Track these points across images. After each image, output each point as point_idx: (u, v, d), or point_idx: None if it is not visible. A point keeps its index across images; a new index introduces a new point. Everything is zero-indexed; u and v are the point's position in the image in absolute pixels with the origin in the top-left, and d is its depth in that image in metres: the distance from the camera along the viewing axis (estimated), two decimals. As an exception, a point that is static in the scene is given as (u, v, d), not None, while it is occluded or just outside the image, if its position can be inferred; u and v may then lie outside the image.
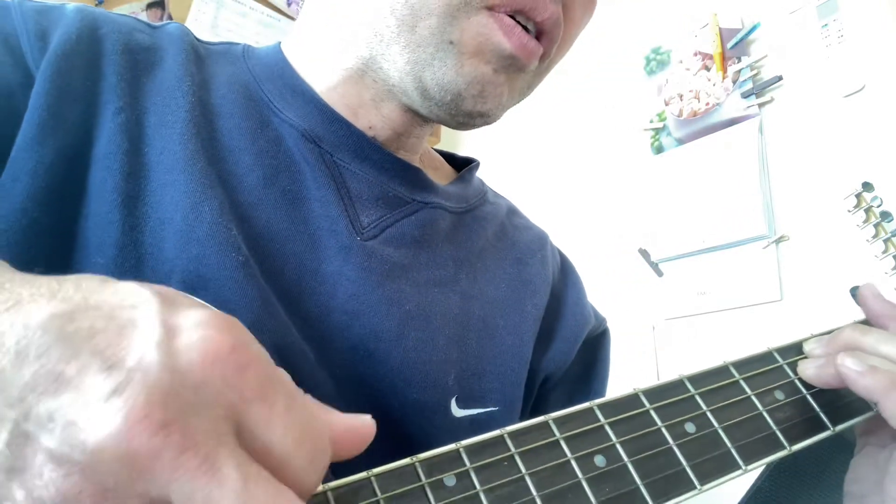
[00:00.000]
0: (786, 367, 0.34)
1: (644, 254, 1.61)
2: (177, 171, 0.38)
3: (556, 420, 0.27)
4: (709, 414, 0.30)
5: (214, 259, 0.36)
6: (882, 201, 1.23)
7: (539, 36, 0.41)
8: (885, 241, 1.22)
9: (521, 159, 1.92)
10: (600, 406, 0.28)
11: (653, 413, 0.28)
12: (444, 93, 0.40)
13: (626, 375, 1.69)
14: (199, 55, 0.46)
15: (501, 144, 2.01)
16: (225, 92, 0.44)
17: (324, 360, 0.39)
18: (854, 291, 1.31)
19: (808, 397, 0.33)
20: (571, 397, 0.55)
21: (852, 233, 1.27)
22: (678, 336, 1.52)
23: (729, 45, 1.49)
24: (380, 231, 0.44)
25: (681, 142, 1.56)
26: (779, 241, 1.37)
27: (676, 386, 0.30)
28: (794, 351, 0.35)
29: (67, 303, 0.20)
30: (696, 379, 0.31)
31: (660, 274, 1.58)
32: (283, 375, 0.22)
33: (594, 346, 0.58)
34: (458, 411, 0.43)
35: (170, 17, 1.88)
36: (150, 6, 1.91)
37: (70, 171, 0.37)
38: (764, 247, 1.39)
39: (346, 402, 0.39)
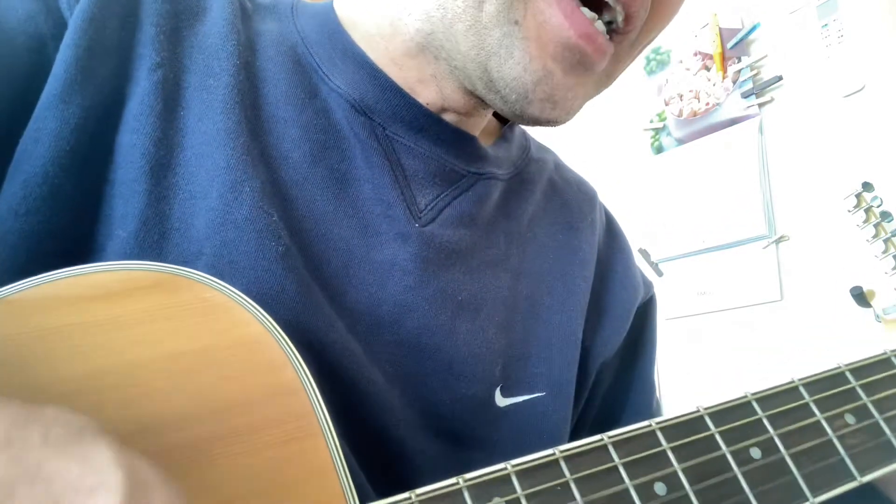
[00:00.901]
0: (858, 389, 0.32)
1: (644, 254, 1.61)
2: (216, 143, 0.35)
3: (614, 443, 0.25)
4: (776, 439, 0.28)
5: (252, 246, 0.33)
6: (882, 201, 1.23)
7: (624, 22, 0.37)
8: (885, 241, 1.22)
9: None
10: (662, 428, 0.26)
11: (717, 437, 0.27)
12: (510, 91, 0.36)
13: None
14: (246, 9, 0.42)
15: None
16: (272, 54, 0.40)
17: (371, 356, 0.36)
18: (855, 292, 1.31)
19: (881, 422, 0.31)
20: (618, 372, 0.52)
21: (852, 233, 1.26)
22: (678, 336, 1.52)
23: (729, 45, 1.48)
24: (437, 213, 0.41)
25: (681, 142, 1.56)
26: (779, 241, 1.37)
27: (743, 407, 0.29)
28: (865, 371, 0.33)
29: (17, 465, 0.17)
30: (764, 399, 0.29)
31: (660, 274, 1.58)
32: None
33: (642, 316, 0.54)
34: (502, 401, 0.40)
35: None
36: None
37: (97, 132, 0.33)
38: (764, 247, 1.39)
39: (397, 401, 0.36)
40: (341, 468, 0.24)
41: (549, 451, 0.24)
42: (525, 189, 0.48)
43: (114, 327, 0.24)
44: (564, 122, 0.40)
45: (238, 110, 0.36)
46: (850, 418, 0.31)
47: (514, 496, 0.23)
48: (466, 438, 0.38)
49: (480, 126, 0.45)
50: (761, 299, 1.38)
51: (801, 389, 0.31)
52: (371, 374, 0.35)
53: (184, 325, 0.25)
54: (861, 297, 1.23)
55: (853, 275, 1.25)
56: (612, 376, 0.51)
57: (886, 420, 0.31)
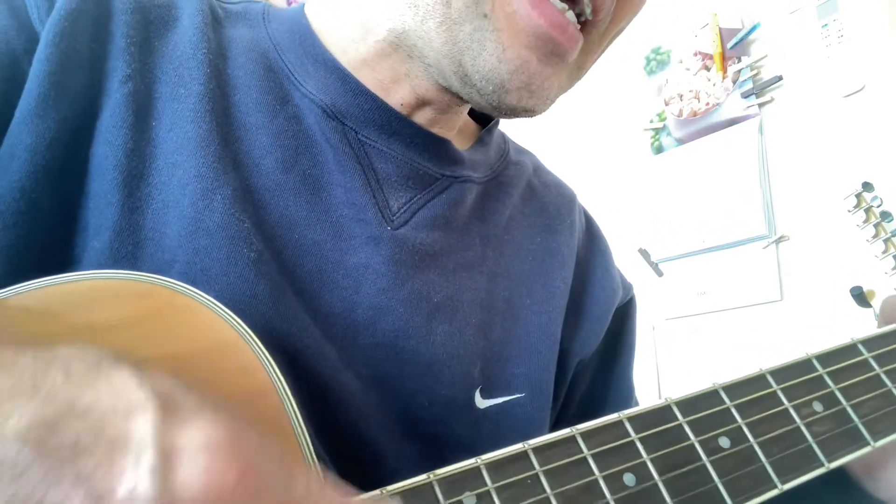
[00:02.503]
0: (825, 377, 0.32)
1: (644, 254, 1.61)
2: (187, 152, 0.35)
3: (583, 434, 0.25)
4: (744, 427, 0.28)
5: (224, 253, 0.33)
6: (882, 201, 1.24)
7: (592, 13, 0.38)
8: (885, 241, 1.23)
9: (520, 159, 1.91)
10: (630, 419, 0.27)
11: (686, 427, 0.27)
12: (486, 82, 0.36)
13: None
14: (217, 16, 0.42)
15: (500, 144, 2.01)
16: (243, 61, 0.40)
17: (347, 359, 0.36)
18: (854, 292, 1.31)
19: (849, 409, 0.31)
20: (597, 373, 0.52)
21: (852, 233, 1.27)
22: (678, 336, 1.52)
23: (729, 45, 1.48)
24: (410, 215, 0.41)
25: (681, 142, 1.56)
26: (779, 241, 1.37)
27: (710, 396, 0.29)
28: (833, 358, 0.33)
29: (51, 404, 0.17)
30: (732, 388, 0.30)
31: (660, 274, 1.58)
32: (300, 485, 0.19)
33: (621, 317, 0.54)
34: (482, 402, 0.40)
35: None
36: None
37: (72, 145, 0.34)
38: (764, 247, 1.39)
39: (373, 404, 0.36)
40: (312, 466, 0.25)
41: (519, 445, 0.24)
42: (502, 192, 0.48)
43: (88, 334, 0.24)
44: (541, 112, 0.40)
45: (209, 118, 0.36)
46: (817, 406, 0.31)
47: (484, 489, 0.23)
48: (446, 440, 0.39)
49: (455, 125, 0.45)
50: (761, 299, 1.38)
51: (769, 378, 0.31)
52: (346, 378, 0.35)
53: (158, 331, 0.25)
54: (861, 297, 1.23)
55: (853, 275, 1.25)
56: (591, 377, 0.52)
57: (853, 407, 0.32)
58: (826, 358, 0.33)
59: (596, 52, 0.41)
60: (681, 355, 1.51)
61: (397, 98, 0.41)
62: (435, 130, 0.43)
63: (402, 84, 0.41)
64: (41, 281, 0.25)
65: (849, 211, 1.27)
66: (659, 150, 1.61)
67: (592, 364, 0.51)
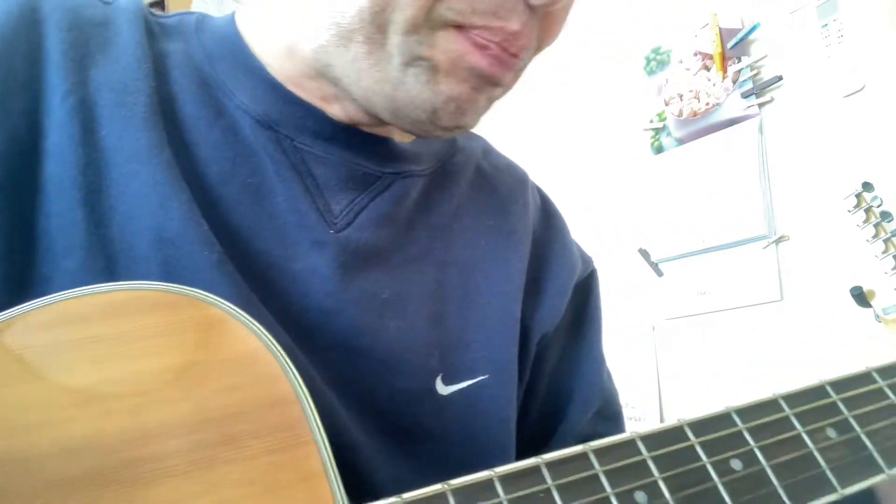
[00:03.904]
0: (839, 404, 0.32)
1: (644, 254, 1.61)
2: (139, 161, 0.35)
3: (595, 451, 0.25)
4: (756, 451, 0.28)
5: (189, 260, 0.34)
6: (882, 201, 1.23)
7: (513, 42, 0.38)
8: (885, 241, 1.22)
9: (521, 159, 1.91)
10: (643, 438, 0.26)
11: (698, 448, 0.27)
12: (420, 112, 0.37)
13: (626, 375, 1.68)
14: (153, 31, 0.42)
15: (501, 145, 2.01)
16: (177, 75, 0.40)
17: (308, 361, 0.37)
18: (854, 292, 1.30)
19: (863, 436, 0.31)
20: (566, 348, 0.53)
21: (852, 233, 1.26)
22: (678, 336, 1.52)
23: (729, 45, 1.49)
24: (353, 217, 0.41)
25: (681, 142, 1.56)
26: (779, 241, 1.37)
27: (723, 419, 0.29)
28: (847, 385, 0.33)
29: None
30: (744, 412, 0.30)
31: (660, 274, 1.58)
32: None
33: (583, 291, 0.55)
34: (444, 389, 0.41)
35: (170, 17, 1.88)
36: (150, 6, 1.91)
37: (21, 165, 0.34)
38: (764, 247, 1.39)
39: (335, 405, 0.37)
40: (332, 473, 0.25)
41: (533, 460, 0.25)
42: (449, 181, 0.48)
43: (121, 341, 0.25)
44: (474, 126, 0.41)
45: (156, 126, 0.37)
46: (831, 432, 0.31)
47: (496, 500, 0.23)
48: (412, 430, 0.40)
49: (392, 132, 0.45)
50: (761, 299, 1.38)
51: (782, 402, 0.31)
52: (311, 381, 0.36)
53: (187, 340, 0.26)
54: (861, 297, 1.23)
55: (853, 275, 1.25)
56: (560, 352, 0.53)
57: (868, 434, 0.31)
58: (840, 385, 0.33)
59: (522, 71, 0.42)
60: (681, 355, 1.51)
61: (331, 112, 0.42)
62: (374, 131, 0.43)
63: (331, 103, 0.41)
64: (83, 290, 0.26)
65: (849, 211, 1.27)
66: (659, 150, 1.61)
67: (560, 339, 0.52)
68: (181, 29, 0.44)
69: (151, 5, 2.00)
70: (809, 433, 0.30)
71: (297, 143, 0.41)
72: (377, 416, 0.39)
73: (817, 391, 0.32)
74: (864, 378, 0.34)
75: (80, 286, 0.30)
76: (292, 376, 0.27)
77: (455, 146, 0.51)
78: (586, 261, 0.56)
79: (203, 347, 0.26)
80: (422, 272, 0.43)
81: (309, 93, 0.41)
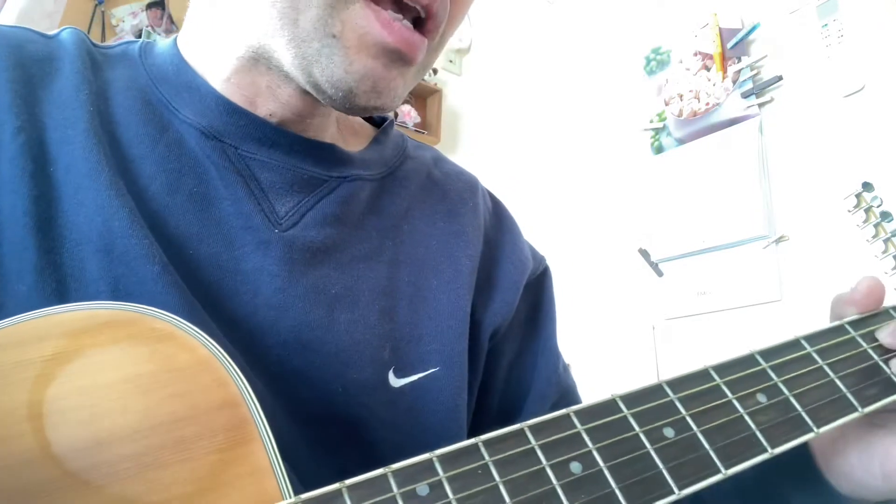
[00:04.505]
0: (769, 371, 0.33)
1: (644, 254, 1.61)
2: (85, 189, 0.38)
3: (531, 427, 0.26)
4: (688, 418, 0.29)
5: (136, 276, 0.36)
6: (882, 201, 1.23)
7: (426, 20, 0.41)
8: (885, 241, 1.22)
9: (521, 159, 1.92)
10: (577, 412, 0.28)
11: (630, 419, 0.28)
12: (336, 90, 0.39)
13: (626, 375, 1.68)
14: (96, 61, 0.45)
15: (501, 145, 2.01)
16: (121, 99, 0.43)
17: (254, 360, 0.38)
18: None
19: (791, 399, 0.32)
20: (522, 343, 0.55)
21: (852, 233, 1.26)
22: (678, 336, 1.52)
23: (729, 45, 1.48)
24: (299, 217, 0.43)
25: (681, 142, 1.56)
26: (779, 241, 1.37)
27: (655, 391, 0.30)
28: (777, 353, 0.34)
29: None
30: (676, 383, 0.31)
31: (660, 274, 1.58)
32: None
33: (537, 288, 0.57)
34: (396, 381, 0.43)
35: (170, 18, 1.89)
36: (149, 6, 1.91)
37: None
38: (764, 247, 1.39)
39: (285, 398, 0.39)
40: (278, 467, 0.27)
41: (471, 441, 0.26)
42: (399, 186, 0.51)
43: (74, 357, 0.27)
44: (393, 107, 0.42)
45: (97, 150, 0.39)
46: (761, 397, 0.32)
47: (436, 478, 0.24)
48: (366, 420, 0.41)
49: (327, 128, 0.48)
50: (761, 299, 1.38)
51: (712, 373, 0.32)
52: (253, 381, 0.37)
53: (137, 353, 0.28)
54: (861, 297, 1.23)
55: (853, 275, 1.25)
56: (516, 347, 0.55)
57: (796, 397, 0.33)
58: (769, 353, 0.34)
59: (438, 50, 0.44)
60: (681, 355, 1.51)
61: (265, 111, 0.44)
62: (310, 136, 0.46)
63: (265, 97, 0.44)
64: (32, 314, 0.28)
65: (849, 211, 1.27)
66: (659, 150, 1.61)
67: (515, 335, 0.54)
68: (126, 57, 0.47)
69: (150, 6, 2.00)
70: (740, 399, 0.31)
71: (242, 151, 0.43)
72: (331, 406, 0.40)
73: (747, 360, 0.34)
74: (792, 346, 0.35)
75: (32, 309, 0.32)
76: (238, 380, 0.29)
77: (405, 154, 0.54)
78: (538, 259, 0.58)
79: (152, 360, 0.28)
80: (372, 269, 0.45)
81: (245, 91, 0.44)
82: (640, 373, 1.56)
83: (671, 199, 1.56)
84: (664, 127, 1.61)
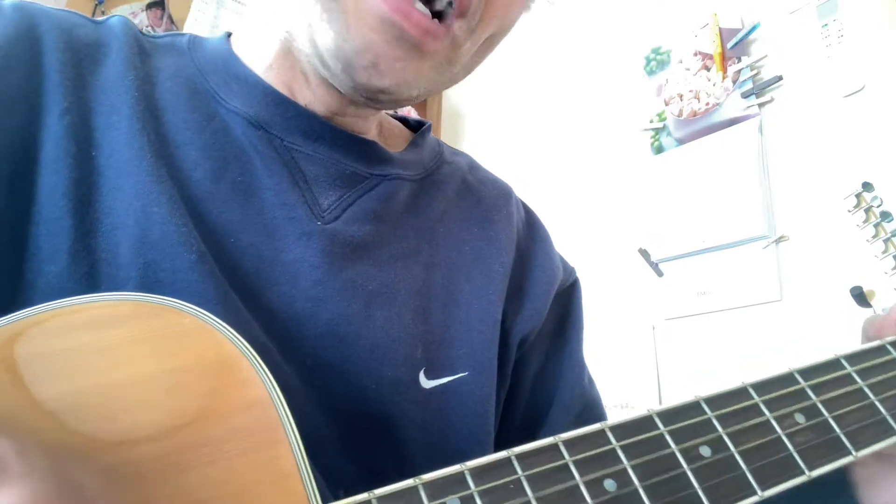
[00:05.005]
0: (807, 390, 0.33)
1: (644, 254, 1.61)
2: (125, 174, 0.37)
3: (565, 442, 0.26)
4: (725, 437, 0.29)
5: (169, 263, 0.36)
6: (882, 201, 1.23)
7: (453, 8, 0.39)
8: (885, 241, 1.22)
9: (521, 159, 1.92)
10: (612, 428, 0.27)
11: (667, 436, 0.28)
12: (335, 61, 0.38)
13: (626, 375, 1.68)
14: (144, 49, 0.45)
15: (501, 145, 2.01)
16: (170, 86, 0.43)
17: (290, 352, 0.38)
18: (854, 292, 1.31)
19: (830, 420, 0.32)
20: (548, 353, 0.55)
21: (852, 233, 1.26)
22: (678, 336, 1.52)
23: (729, 45, 1.49)
24: (341, 211, 0.43)
25: (681, 142, 1.56)
26: (779, 241, 1.37)
27: (692, 407, 0.29)
28: (816, 373, 0.34)
29: None
30: (713, 400, 0.30)
31: (660, 274, 1.58)
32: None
33: (566, 299, 0.57)
34: (427, 383, 0.43)
35: (170, 18, 1.88)
36: (149, 6, 1.90)
37: (16, 177, 0.36)
38: (764, 247, 1.39)
39: (318, 391, 0.38)
40: (306, 473, 0.26)
41: (504, 453, 0.25)
42: (436, 189, 0.51)
43: (99, 351, 0.26)
44: (404, 96, 0.41)
45: (141, 137, 0.39)
46: (799, 417, 0.31)
47: (468, 492, 0.24)
48: (397, 419, 0.41)
49: (367, 128, 0.48)
50: (761, 299, 1.38)
51: (751, 390, 0.32)
52: (286, 373, 0.37)
53: (162, 348, 0.27)
54: (861, 297, 1.23)
55: (853, 275, 1.25)
56: (542, 358, 0.54)
57: (835, 418, 0.32)
58: (808, 372, 0.34)
59: (466, 47, 0.42)
60: (681, 355, 1.51)
61: (302, 98, 0.44)
62: (348, 131, 0.45)
63: (300, 84, 0.44)
64: (60, 302, 0.27)
65: (849, 211, 1.27)
66: (659, 150, 1.61)
67: (542, 345, 0.54)
68: (173, 47, 0.47)
69: (150, 6, 1.99)
70: (777, 419, 0.31)
71: (287, 143, 0.43)
72: (363, 402, 0.40)
73: (786, 379, 0.33)
74: (832, 365, 0.35)
75: (62, 291, 0.31)
76: (267, 379, 0.28)
77: (442, 158, 0.54)
78: (568, 270, 0.58)
79: (177, 355, 0.27)
80: (408, 269, 0.45)
81: (284, 75, 0.44)
82: (640, 373, 1.56)
83: (671, 199, 1.56)
84: (664, 127, 1.61)
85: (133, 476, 0.24)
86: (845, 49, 1.30)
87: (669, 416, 0.29)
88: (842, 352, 0.36)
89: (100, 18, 0.46)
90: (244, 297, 0.37)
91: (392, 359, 0.41)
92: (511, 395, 0.52)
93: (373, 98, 0.41)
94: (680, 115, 1.57)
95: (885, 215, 1.23)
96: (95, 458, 0.24)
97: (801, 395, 0.32)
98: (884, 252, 1.23)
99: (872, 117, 1.26)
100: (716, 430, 0.29)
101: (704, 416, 0.29)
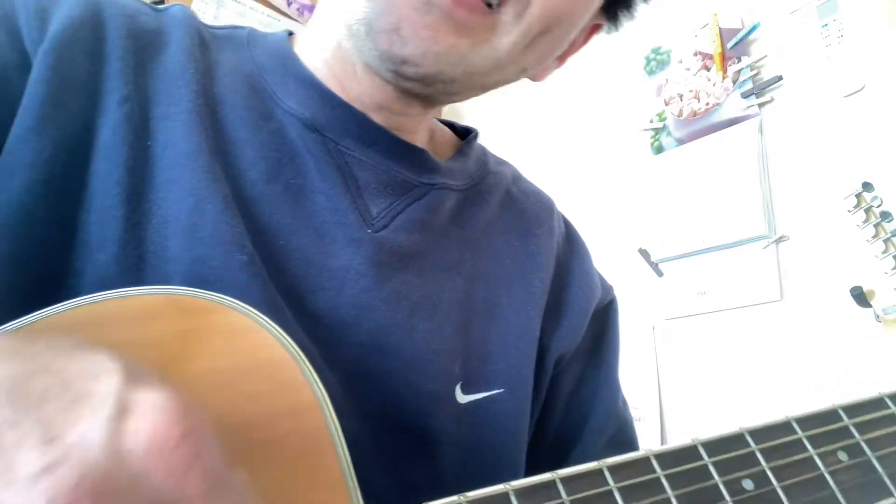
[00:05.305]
0: (851, 428, 0.33)
1: (644, 254, 1.61)
2: (180, 167, 0.37)
3: (610, 468, 0.26)
4: (768, 471, 0.29)
5: (218, 261, 0.35)
6: (882, 201, 1.23)
7: None
8: (885, 241, 1.22)
9: (521, 159, 1.91)
10: (657, 455, 0.27)
11: (711, 467, 0.28)
12: (359, 25, 0.37)
13: (626, 375, 1.68)
14: (204, 40, 0.44)
15: (501, 145, 2.01)
16: (229, 81, 0.43)
17: (331, 358, 0.37)
18: (855, 292, 1.31)
19: (874, 460, 0.32)
20: (584, 373, 0.54)
21: (852, 233, 1.26)
22: (678, 336, 1.52)
23: (729, 45, 1.48)
24: (390, 219, 0.43)
25: (681, 142, 1.56)
26: (779, 241, 1.37)
27: (736, 439, 0.29)
28: (860, 410, 0.34)
29: (29, 362, 0.19)
30: (757, 433, 0.30)
31: (660, 274, 1.58)
32: (235, 479, 0.20)
33: (603, 318, 0.56)
34: (462, 397, 0.42)
35: (169, 17, 1.88)
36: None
37: (71, 162, 0.35)
38: (764, 247, 1.39)
39: (357, 399, 0.38)
40: (351, 483, 0.26)
41: (548, 475, 0.25)
42: (481, 199, 0.50)
43: (147, 346, 0.26)
44: (431, 70, 0.38)
45: (198, 132, 0.38)
46: (842, 455, 0.31)
47: None
48: (432, 433, 0.40)
49: (415, 129, 0.48)
50: (761, 299, 1.38)
51: (794, 425, 0.32)
52: (327, 378, 0.36)
53: (212, 346, 0.27)
54: (861, 297, 1.23)
55: (853, 275, 1.25)
56: (577, 376, 0.54)
57: (879, 458, 0.32)
58: (852, 409, 0.34)
59: (509, 32, 0.39)
60: (681, 355, 1.51)
61: (353, 94, 0.43)
62: (400, 136, 0.45)
63: (349, 75, 0.43)
64: (101, 294, 0.26)
65: (849, 211, 1.27)
66: (659, 150, 1.61)
67: (578, 364, 0.53)
68: (232, 41, 0.47)
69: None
70: (821, 456, 0.31)
71: (341, 147, 0.43)
72: (400, 414, 0.40)
73: (830, 415, 0.33)
74: (876, 403, 0.35)
75: (109, 280, 0.30)
76: (315, 385, 0.27)
77: (487, 168, 0.53)
78: (607, 289, 0.57)
79: (228, 354, 0.27)
80: (451, 280, 0.45)
81: (337, 72, 0.43)
82: (640, 373, 1.56)
83: (671, 199, 1.56)
84: (664, 127, 1.61)
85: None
86: (845, 49, 1.30)
87: (714, 446, 0.29)
88: (886, 390, 0.36)
89: (161, 7, 0.45)
90: (289, 301, 0.37)
91: (431, 372, 0.41)
92: (544, 413, 0.51)
93: (400, 73, 0.39)
94: (680, 115, 1.57)
95: (885, 215, 1.23)
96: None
97: (845, 432, 0.32)
98: (884, 252, 1.23)
99: (872, 117, 1.26)
100: (759, 463, 0.29)
101: (748, 449, 0.29)
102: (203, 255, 0.35)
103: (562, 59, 0.48)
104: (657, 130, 1.62)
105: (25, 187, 0.33)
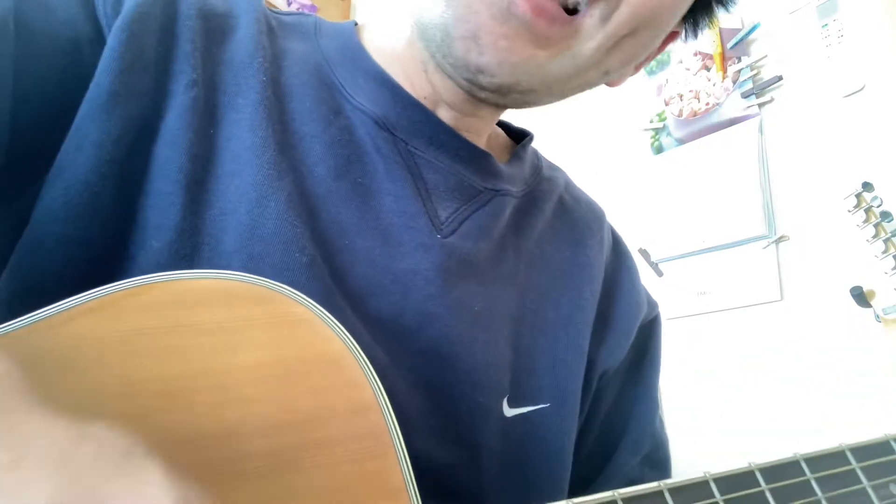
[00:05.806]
0: None
1: (644, 254, 1.61)
2: (244, 161, 0.36)
3: (670, 490, 0.26)
4: (824, 501, 0.29)
5: (277, 259, 0.34)
6: (882, 201, 1.23)
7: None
8: (885, 241, 1.22)
9: (521, 159, 1.92)
10: (715, 480, 0.27)
11: (768, 494, 0.28)
12: (436, 30, 0.36)
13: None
14: (271, 27, 0.43)
15: (501, 144, 2.01)
16: (297, 71, 0.41)
17: (394, 363, 0.36)
18: (855, 292, 1.30)
19: None
20: (623, 389, 0.52)
21: (852, 233, 1.26)
22: (678, 336, 1.52)
23: (729, 45, 1.48)
24: (458, 225, 0.42)
25: (681, 142, 1.56)
26: (779, 241, 1.37)
27: (792, 466, 0.30)
28: None
29: (73, 485, 0.17)
30: (813, 461, 0.30)
31: (660, 274, 1.58)
32: None
33: (646, 334, 0.55)
34: (508, 411, 0.41)
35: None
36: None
37: (136, 144, 0.34)
38: (764, 247, 1.39)
39: (416, 409, 0.37)
40: (413, 491, 0.25)
41: (609, 494, 0.25)
42: (535, 207, 0.49)
43: (207, 332, 0.25)
44: (507, 79, 0.37)
45: (265, 125, 0.37)
46: (894, 488, 0.32)
47: None
48: (481, 447, 0.39)
49: (481, 131, 0.46)
50: (761, 299, 1.38)
51: (849, 454, 0.32)
52: (393, 382, 0.35)
53: (273, 337, 0.26)
54: (861, 297, 1.23)
55: (853, 275, 1.25)
56: (617, 391, 0.52)
57: None
58: None
59: (593, 36, 0.37)
60: (681, 355, 1.51)
61: (421, 91, 0.42)
62: (464, 136, 0.43)
63: (420, 75, 0.42)
64: (166, 275, 0.25)
65: (849, 211, 1.27)
66: (659, 150, 1.61)
67: (618, 379, 0.52)
68: (300, 29, 0.45)
69: None
70: (875, 488, 0.31)
71: (411, 147, 0.41)
72: (455, 426, 0.38)
73: (883, 446, 0.33)
74: None
75: (161, 268, 0.29)
76: (375, 384, 0.27)
77: (541, 174, 0.51)
78: (652, 304, 0.56)
79: (287, 346, 0.26)
80: (507, 291, 0.43)
81: (406, 67, 0.42)
82: (640, 373, 1.56)
83: (671, 199, 1.56)
84: (664, 127, 1.61)
85: (237, 473, 0.23)
86: (845, 49, 1.30)
87: (770, 472, 0.29)
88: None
89: None
90: (351, 302, 0.36)
91: (485, 385, 0.39)
92: (582, 427, 0.49)
93: (475, 81, 0.38)
94: (680, 115, 1.57)
95: (885, 215, 1.22)
96: (206, 448, 0.23)
97: None
98: (884, 252, 1.22)
99: (872, 117, 1.26)
100: (815, 493, 0.29)
101: (804, 477, 0.30)
102: (261, 252, 0.34)
103: (638, 66, 0.44)
104: (657, 130, 1.62)
105: (92, 166, 0.32)
